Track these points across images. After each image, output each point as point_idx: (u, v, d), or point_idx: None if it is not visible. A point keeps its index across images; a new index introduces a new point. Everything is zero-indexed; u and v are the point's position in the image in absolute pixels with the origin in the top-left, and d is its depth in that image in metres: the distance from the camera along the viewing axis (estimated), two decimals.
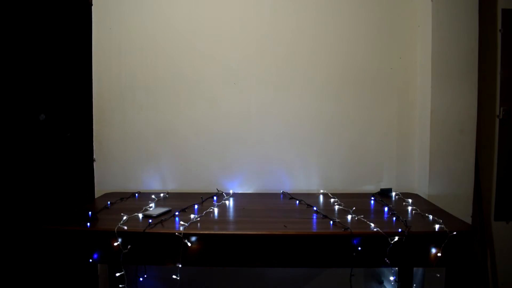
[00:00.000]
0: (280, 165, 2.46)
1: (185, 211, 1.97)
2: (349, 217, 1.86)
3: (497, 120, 2.45)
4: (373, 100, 2.44)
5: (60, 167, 2.23)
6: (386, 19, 2.41)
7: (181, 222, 1.75)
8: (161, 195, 2.32)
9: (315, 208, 2.01)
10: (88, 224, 1.73)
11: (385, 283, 2.43)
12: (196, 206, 2.06)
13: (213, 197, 2.26)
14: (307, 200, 2.18)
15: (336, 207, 2.06)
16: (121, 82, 2.43)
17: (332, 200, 2.21)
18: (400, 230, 1.66)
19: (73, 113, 2.34)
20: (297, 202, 2.18)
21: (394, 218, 1.85)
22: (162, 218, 1.84)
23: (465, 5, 2.23)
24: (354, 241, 1.65)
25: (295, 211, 2.01)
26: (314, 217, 1.88)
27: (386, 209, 2.02)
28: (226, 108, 2.44)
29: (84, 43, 2.40)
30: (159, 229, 1.70)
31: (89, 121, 2.44)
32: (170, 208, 1.99)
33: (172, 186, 2.47)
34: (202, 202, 2.16)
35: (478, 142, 2.31)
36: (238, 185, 2.47)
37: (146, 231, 1.67)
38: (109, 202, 2.12)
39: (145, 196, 2.28)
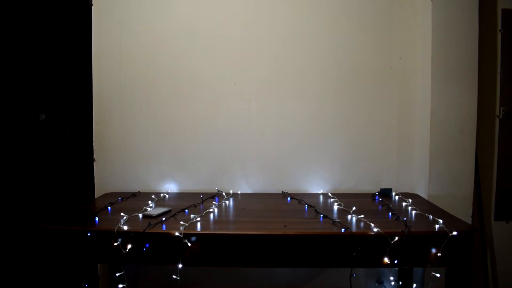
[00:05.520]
0: (280, 165, 2.46)
1: (185, 211, 1.98)
2: (349, 217, 1.86)
3: (497, 120, 2.45)
4: (373, 100, 2.44)
5: (60, 167, 2.23)
6: (386, 19, 2.41)
7: (181, 222, 1.75)
8: (161, 195, 2.32)
9: (315, 208, 2.01)
10: (89, 224, 1.73)
11: (385, 283, 2.43)
12: (196, 206, 2.06)
13: (213, 197, 2.26)
14: (307, 200, 2.18)
15: (336, 207, 2.06)
16: (121, 82, 2.43)
17: (332, 200, 2.21)
18: (400, 230, 1.66)
19: (73, 113, 2.34)
20: (297, 202, 2.18)
21: (394, 218, 1.85)
22: (162, 218, 1.84)
23: (465, 5, 2.23)
24: (354, 241, 1.65)
25: (295, 211, 2.01)
26: (314, 217, 1.88)
27: (386, 209, 2.03)
28: (226, 108, 2.44)
29: (84, 43, 2.40)
30: (159, 229, 1.70)
31: (89, 121, 2.44)
32: (170, 208, 1.99)
33: (172, 186, 2.47)
34: (202, 202, 2.16)
35: (478, 142, 2.31)
36: (238, 185, 2.47)
37: (146, 231, 1.67)
38: (109, 202, 2.12)
39: (145, 196, 2.28)
